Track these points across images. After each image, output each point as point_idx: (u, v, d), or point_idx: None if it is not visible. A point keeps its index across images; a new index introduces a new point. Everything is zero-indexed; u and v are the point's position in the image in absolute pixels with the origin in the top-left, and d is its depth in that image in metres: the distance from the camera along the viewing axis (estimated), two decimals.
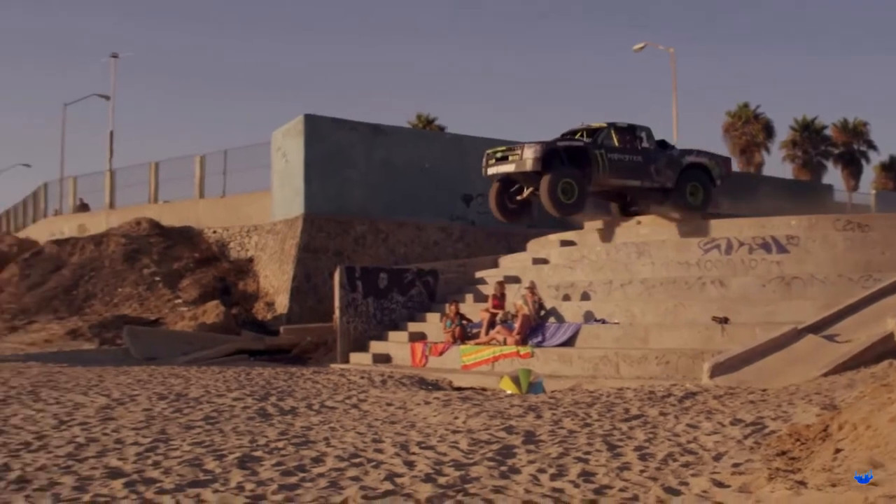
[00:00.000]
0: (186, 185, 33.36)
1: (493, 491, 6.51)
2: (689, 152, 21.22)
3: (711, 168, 21.23)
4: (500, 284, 18.71)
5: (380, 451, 8.15)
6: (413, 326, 19.79)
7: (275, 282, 26.14)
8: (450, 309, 18.46)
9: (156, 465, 7.62)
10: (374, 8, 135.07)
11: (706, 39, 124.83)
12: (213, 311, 24.81)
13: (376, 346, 19.39)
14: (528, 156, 18.97)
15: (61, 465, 7.68)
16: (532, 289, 17.45)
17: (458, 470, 7.23)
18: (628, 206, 22.43)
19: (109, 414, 10.92)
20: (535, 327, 16.79)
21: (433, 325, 19.30)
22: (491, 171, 20.02)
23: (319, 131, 25.51)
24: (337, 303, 20.04)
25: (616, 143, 20.04)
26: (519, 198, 20.43)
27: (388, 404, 11.70)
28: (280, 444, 8.58)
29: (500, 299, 18.14)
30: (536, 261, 20.98)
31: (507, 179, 20.21)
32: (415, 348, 18.22)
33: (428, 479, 6.93)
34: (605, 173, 19.67)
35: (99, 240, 32.22)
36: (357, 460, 7.72)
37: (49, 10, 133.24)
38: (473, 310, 18.86)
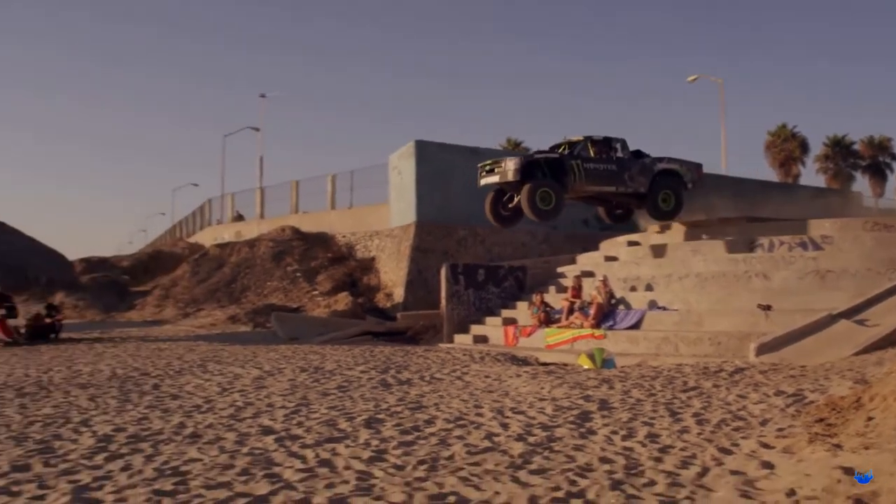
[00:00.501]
0: (321, 199, 33.87)
1: (574, 448, 6.46)
2: (661, 160, 20.04)
3: (683, 174, 20.09)
4: (578, 278, 18.52)
5: (480, 415, 8.15)
6: (506, 313, 19.72)
7: (393, 276, 26.36)
8: (536, 298, 18.36)
9: (299, 424, 7.76)
10: (469, 57, 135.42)
11: (749, 67, 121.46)
12: (343, 301, 25.19)
13: (476, 329, 19.37)
14: (510, 167, 18.44)
15: (225, 423, 7.88)
16: (604, 281, 17.24)
17: (545, 431, 7.18)
18: (614, 209, 21.74)
19: (262, 383, 11.15)
20: (607, 313, 16.57)
21: (522, 312, 19.20)
22: (482, 182, 19.39)
23: (427, 153, 25.64)
24: (443, 293, 20.10)
25: (592, 154, 19.20)
26: (511, 205, 19.45)
27: (486, 377, 11.69)
28: (398, 409, 8.65)
29: (577, 290, 17.94)
30: (608, 258, 20.71)
31: (499, 189, 19.44)
32: (507, 331, 18.15)
33: (520, 438, 6.91)
34: (582, 181, 18.88)
35: (252, 244, 32.96)
36: (461, 422, 7.74)
37: (207, 53, 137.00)
38: (556, 299, 18.71)
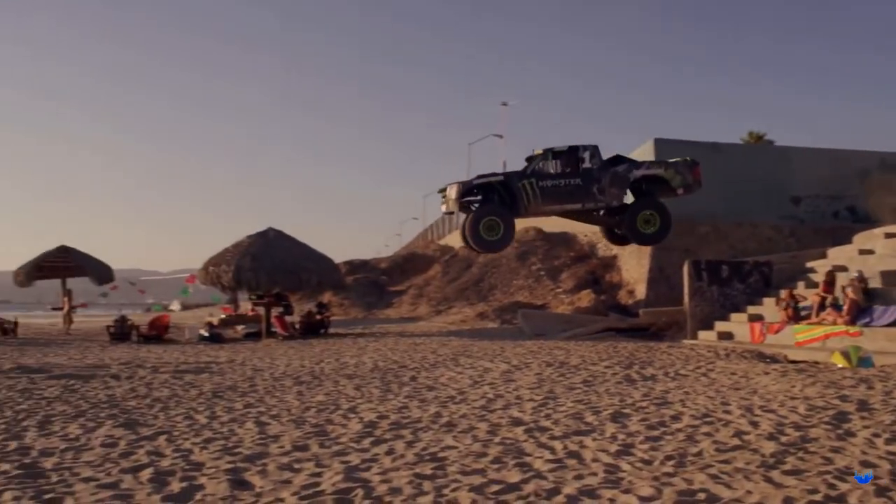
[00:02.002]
0: None
1: (832, 450, 5.99)
2: (639, 165, 16.83)
3: (670, 178, 16.58)
4: (830, 272, 17.11)
5: (727, 412, 7.78)
6: (751, 309, 18.64)
7: (634, 274, 25.80)
8: (785, 294, 17.20)
9: (547, 416, 7.81)
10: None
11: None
12: (586, 298, 25.04)
13: (720, 326, 18.51)
14: (451, 196, 16.24)
15: (477, 414, 8.09)
16: (860, 276, 15.82)
17: (798, 431, 6.72)
18: (610, 229, 18.39)
19: (510, 377, 11.34)
20: (862, 310, 15.19)
21: (769, 308, 18.06)
22: (442, 209, 17.41)
23: (668, 151, 24.85)
24: (686, 290, 19.38)
25: (553, 168, 16.47)
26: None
27: (732, 374, 11.15)
28: (643, 404, 8.46)
29: (829, 285, 16.57)
30: (862, 251, 18.95)
31: None
32: (753, 327, 17.16)
33: (771, 437, 6.52)
34: (537, 202, 16.24)
35: None
36: (708, 419, 7.43)
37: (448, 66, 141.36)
38: (804, 295, 17.45)
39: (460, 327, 24.39)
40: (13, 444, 6.62)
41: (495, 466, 5.75)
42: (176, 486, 5.29)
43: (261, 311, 23.22)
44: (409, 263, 41.51)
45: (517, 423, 7.51)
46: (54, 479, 5.47)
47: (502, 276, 30.69)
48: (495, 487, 5.17)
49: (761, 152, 30.54)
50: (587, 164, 16.38)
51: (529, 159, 16.80)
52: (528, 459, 5.97)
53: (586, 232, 30.58)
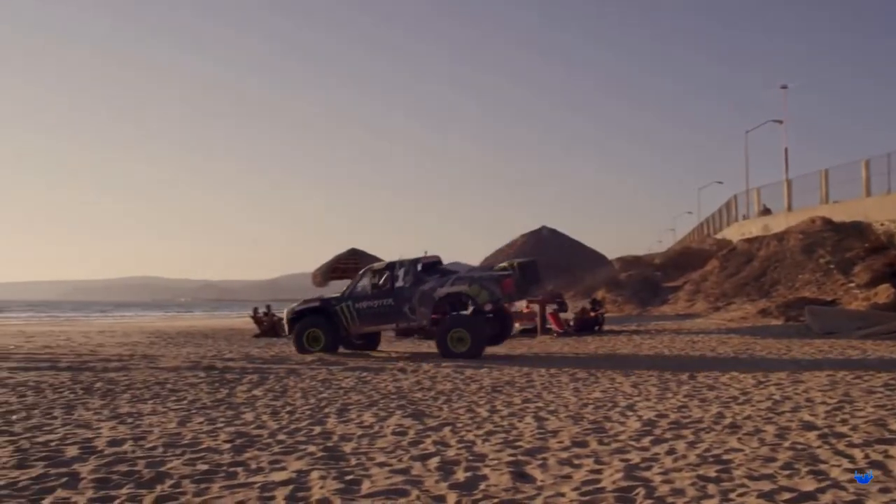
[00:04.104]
0: (853, 187, 31.00)
1: None
2: (446, 281, 15.26)
3: (475, 294, 14.87)
4: None
5: None
6: None
7: None
8: None
9: (843, 422, 7.15)
10: None
11: None
12: (884, 293, 22.69)
13: None
14: (284, 323, 17.03)
15: (763, 416, 7.59)
16: None
17: None
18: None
19: (798, 377, 10.56)
20: None
21: None
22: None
23: None
24: None
25: (369, 289, 15.99)
26: None
27: None
28: None
29: None
30: None
31: None
32: None
33: None
34: (357, 324, 15.96)
35: (780, 237, 31.52)
36: None
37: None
38: None
39: (740, 324, 23.15)
40: (317, 429, 7.24)
41: (786, 472, 5.36)
42: (461, 475, 5.49)
43: (535, 308, 23.58)
44: (683, 258, 40.25)
45: (808, 427, 6.95)
46: (353, 462, 5.91)
47: (786, 271, 28.73)
48: (787, 495, 4.81)
49: None
50: (400, 283, 15.73)
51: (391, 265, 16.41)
52: (823, 467, 5.49)
53: (883, 220, 27.75)
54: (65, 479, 5.30)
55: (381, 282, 16.11)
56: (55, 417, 7.79)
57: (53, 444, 6.46)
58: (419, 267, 15.91)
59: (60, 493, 5.00)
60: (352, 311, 15.92)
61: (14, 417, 7.72)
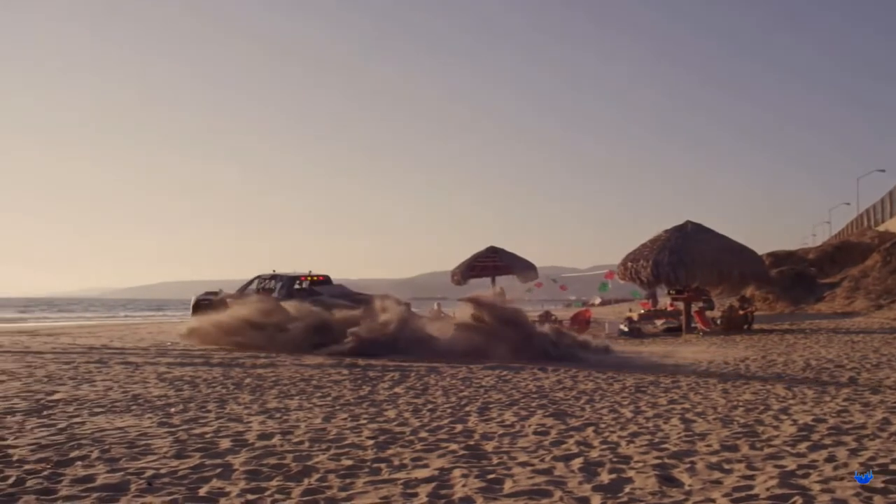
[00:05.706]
0: None
1: None
2: (307, 299, 17.81)
3: None
4: None
5: None
6: None
7: None
8: None
9: None
10: None
11: None
12: None
13: None
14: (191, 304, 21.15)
15: None
16: None
17: None
18: None
19: None
20: None
21: None
22: None
23: None
24: None
25: (256, 292, 19.47)
26: None
27: None
28: None
29: None
30: None
31: None
32: None
33: None
34: None
35: None
36: None
37: None
38: None
39: None
40: (459, 427, 7.26)
41: None
42: (605, 477, 5.35)
43: (680, 305, 22.88)
44: (840, 253, 37.92)
45: None
46: (495, 461, 5.87)
47: None
48: None
49: None
50: (275, 294, 17.56)
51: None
52: None
53: None
54: (219, 470, 5.53)
55: (262, 290, 18.99)
56: (209, 411, 8.16)
57: (208, 436, 6.77)
58: (297, 284, 18.62)
59: (216, 482, 5.21)
60: None
61: (172, 410, 8.15)
